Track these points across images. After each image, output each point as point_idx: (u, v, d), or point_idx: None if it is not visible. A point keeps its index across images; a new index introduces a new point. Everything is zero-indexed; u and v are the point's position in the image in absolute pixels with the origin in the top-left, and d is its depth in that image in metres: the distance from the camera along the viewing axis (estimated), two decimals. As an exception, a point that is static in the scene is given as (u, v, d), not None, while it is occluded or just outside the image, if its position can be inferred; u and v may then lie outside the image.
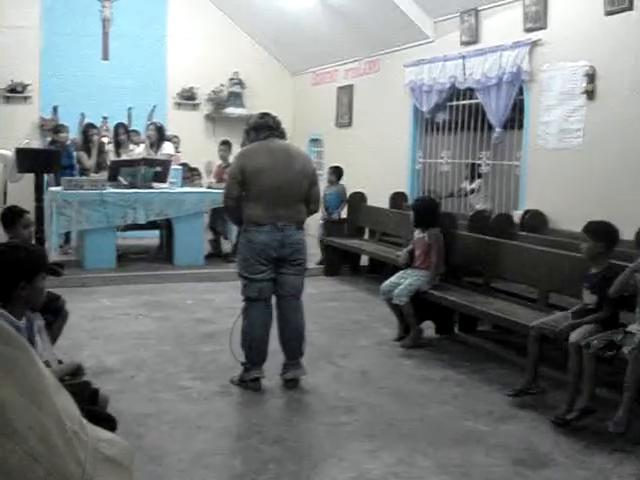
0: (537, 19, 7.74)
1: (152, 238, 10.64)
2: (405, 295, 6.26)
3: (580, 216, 6.64)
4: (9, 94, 12.39)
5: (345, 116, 12.25)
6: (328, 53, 12.30)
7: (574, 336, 4.44)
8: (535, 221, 7.56)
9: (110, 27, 13.00)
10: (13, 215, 4.97)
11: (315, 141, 13.39)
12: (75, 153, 10.82)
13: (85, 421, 0.72)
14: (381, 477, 3.80)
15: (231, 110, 13.65)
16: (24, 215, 5.05)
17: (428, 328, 6.58)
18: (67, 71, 12.61)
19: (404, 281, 6.37)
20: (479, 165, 8.92)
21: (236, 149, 9.74)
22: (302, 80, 13.98)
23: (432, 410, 4.77)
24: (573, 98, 7.33)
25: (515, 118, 8.36)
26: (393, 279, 6.50)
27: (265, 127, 5.15)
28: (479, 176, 9.04)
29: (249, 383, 5.11)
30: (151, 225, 9.79)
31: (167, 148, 10.32)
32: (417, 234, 6.59)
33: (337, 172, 10.07)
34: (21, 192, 10.20)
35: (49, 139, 11.42)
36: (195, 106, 13.73)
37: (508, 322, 5.49)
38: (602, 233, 4.75)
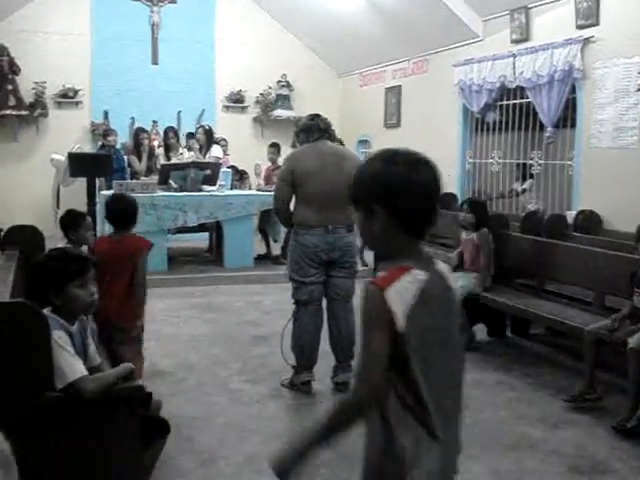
0: (589, 15, 7.60)
1: (200, 241, 10.72)
2: (456, 298, 6.17)
3: (635, 216, 6.50)
4: (61, 99, 12.60)
5: (393, 117, 12.18)
6: (375, 54, 12.25)
7: (633, 341, 4.33)
8: (589, 222, 7.42)
9: (159, 32, 13.14)
10: (74, 219, 4.90)
11: (363, 142, 13.35)
12: (126, 157, 10.96)
13: None
14: (434, 483, 3.75)
15: (279, 112, 13.68)
16: (86, 218, 5.01)
17: (480, 331, 6.50)
18: (117, 76, 12.77)
19: (455, 283, 6.29)
20: (531, 165, 8.79)
21: (284, 151, 9.78)
22: (350, 81, 13.95)
23: (485, 415, 4.70)
24: (628, 95, 7.17)
25: (567, 117, 8.21)
26: (443, 281, 6.42)
27: (315, 129, 5.13)
28: (530, 176, 8.91)
29: (300, 386, 5.10)
30: (200, 228, 9.88)
31: (216, 151, 10.39)
32: (465, 236, 6.50)
33: None
34: (73, 196, 10.38)
35: (100, 143, 11.61)
36: (243, 109, 13.80)
37: (562, 325, 5.38)
38: None
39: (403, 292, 1.73)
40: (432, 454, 1.77)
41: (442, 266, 1.87)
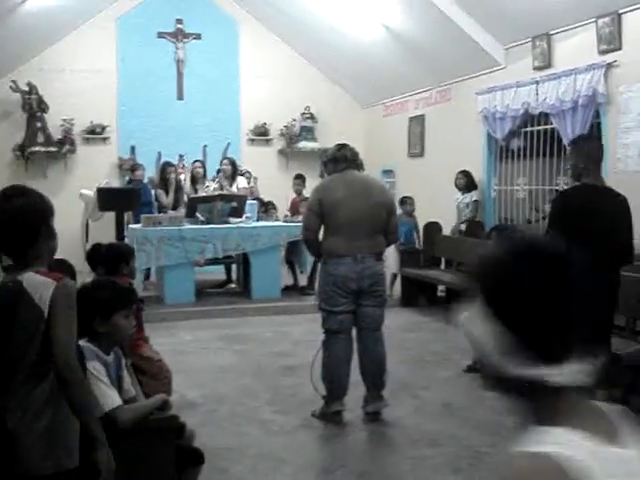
0: (611, 40, 7.60)
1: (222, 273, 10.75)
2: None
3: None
4: (89, 136, 12.79)
5: (417, 146, 12.21)
6: (398, 84, 12.32)
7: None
8: (618, 246, 7.35)
9: (184, 67, 13.33)
10: (129, 253, 4.78)
11: (388, 172, 13.38)
12: (153, 191, 11.09)
13: None
14: (470, 512, 3.71)
15: (303, 144, 13.75)
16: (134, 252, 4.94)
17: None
18: (143, 111, 12.94)
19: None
20: (557, 190, 8.76)
21: (310, 182, 9.83)
22: (373, 112, 14.02)
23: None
24: (653, 119, 7.15)
25: (593, 142, 8.18)
26: (472, 309, 6.41)
27: (342, 159, 5.17)
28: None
29: (331, 416, 5.08)
30: (226, 259, 9.96)
31: (242, 182, 10.51)
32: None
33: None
34: (102, 230, 10.49)
35: (127, 178, 11.78)
36: (268, 141, 13.90)
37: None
38: None
39: None
40: None
41: None
